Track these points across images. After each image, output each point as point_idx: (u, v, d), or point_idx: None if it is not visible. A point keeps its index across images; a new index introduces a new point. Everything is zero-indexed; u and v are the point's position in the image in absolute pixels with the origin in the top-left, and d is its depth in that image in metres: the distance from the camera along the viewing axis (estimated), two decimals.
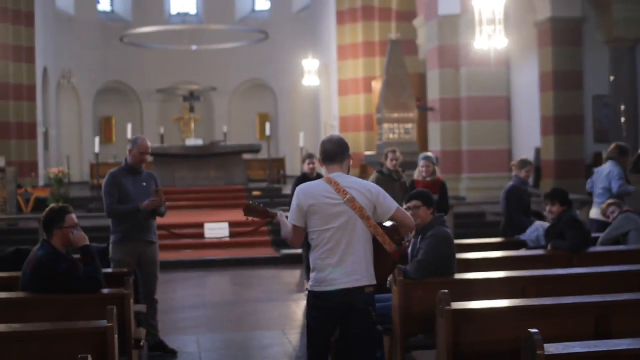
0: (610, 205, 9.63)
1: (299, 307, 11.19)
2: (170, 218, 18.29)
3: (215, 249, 16.45)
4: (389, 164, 11.53)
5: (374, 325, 5.63)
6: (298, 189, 5.59)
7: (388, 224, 5.58)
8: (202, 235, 16.45)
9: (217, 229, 16.46)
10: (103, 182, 8.56)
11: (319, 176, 11.83)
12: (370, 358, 5.61)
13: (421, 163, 11.05)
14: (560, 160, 20.80)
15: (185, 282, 14.30)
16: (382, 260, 5.56)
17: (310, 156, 12.34)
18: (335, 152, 5.58)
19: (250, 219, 5.90)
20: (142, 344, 7.04)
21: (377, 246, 5.53)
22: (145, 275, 8.48)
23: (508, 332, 5.64)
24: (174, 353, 8.71)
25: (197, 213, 19.38)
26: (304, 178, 11.71)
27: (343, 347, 5.73)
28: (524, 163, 10.25)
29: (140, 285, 8.45)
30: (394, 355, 6.92)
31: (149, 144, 8.58)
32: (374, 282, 5.53)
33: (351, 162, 5.73)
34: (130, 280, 6.93)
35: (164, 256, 15.69)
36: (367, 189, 5.50)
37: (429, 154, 11.61)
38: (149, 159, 8.75)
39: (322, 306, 5.48)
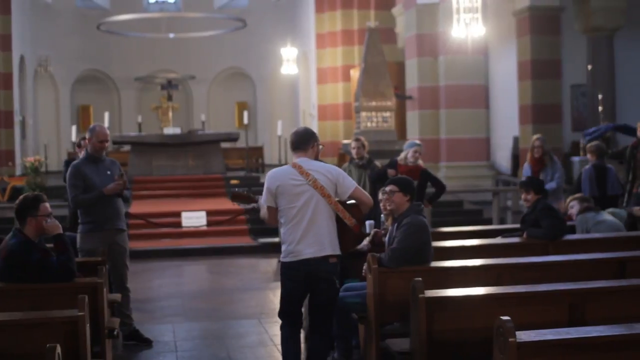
0: (571, 200, 9.65)
1: (276, 295, 11.14)
2: (148, 207, 18.35)
3: (193, 238, 16.40)
4: (352, 152, 11.56)
5: (336, 293, 6.45)
6: (268, 174, 6.43)
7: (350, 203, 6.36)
8: (179, 224, 16.41)
9: (194, 218, 16.44)
10: (67, 174, 8.45)
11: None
12: (328, 324, 6.45)
13: (413, 148, 11.07)
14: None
15: (163, 271, 14.25)
16: (345, 234, 6.36)
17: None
18: (301, 141, 6.40)
19: (235, 204, 6.40)
20: (115, 333, 6.98)
21: (340, 221, 6.30)
22: (115, 264, 8.39)
23: (482, 320, 5.63)
24: (148, 342, 8.64)
25: (174, 202, 19.26)
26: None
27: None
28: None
29: (111, 274, 8.38)
30: (368, 343, 6.91)
31: (107, 131, 8.51)
32: (337, 253, 6.30)
33: (320, 148, 6.54)
34: (104, 269, 6.88)
35: (141, 245, 15.83)
36: (327, 170, 6.30)
37: (418, 141, 11.69)
38: (109, 146, 8.67)
39: (290, 275, 6.31)
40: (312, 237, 6.19)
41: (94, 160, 8.35)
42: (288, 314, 6.42)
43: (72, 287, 6.45)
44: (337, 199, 6.27)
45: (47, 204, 6.75)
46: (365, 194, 6.38)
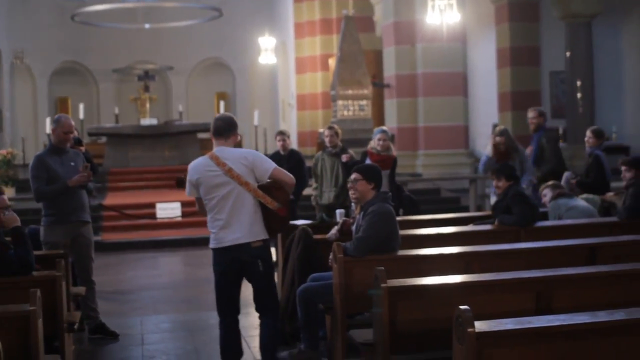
0: (544, 187, 9.51)
1: (248, 287, 10.94)
2: (123, 198, 18.19)
3: (168, 229, 16.23)
4: (326, 140, 11.44)
5: (268, 275, 6.47)
6: (189, 165, 6.47)
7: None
8: (154, 216, 16.23)
9: (169, 209, 16.27)
10: (30, 166, 8.24)
11: (292, 152, 12.19)
12: (274, 309, 6.55)
13: (378, 136, 10.84)
14: (517, 135, 20.68)
15: (136, 263, 14.11)
16: (271, 218, 6.33)
17: (280, 133, 12.43)
18: (221, 129, 6.39)
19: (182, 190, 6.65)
20: (75, 327, 6.80)
21: (265, 206, 6.29)
22: (80, 256, 8.21)
23: (447, 310, 5.43)
24: (115, 335, 8.49)
25: (150, 193, 19.09)
26: (276, 154, 11.99)
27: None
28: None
29: (76, 267, 8.21)
30: (335, 334, 6.76)
31: (72, 122, 8.28)
32: (260, 238, 6.32)
33: (238, 138, 6.53)
34: (62, 262, 6.70)
35: (116, 237, 15.67)
36: (243, 157, 6.29)
37: (385, 128, 11.43)
38: (73, 136, 8.46)
39: (218, 261, 6.39)
40: (234, 224, 6.24)
41: (58, 151, 8.15)
42: (222, 307, 6.54)
43: (29, 281, 6.26)
44: (258, 184, 6.27)
45: (5, 196, 6.63)
46: (286, 174, 6.35)
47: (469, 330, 4.16)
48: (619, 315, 4.48)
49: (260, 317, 6.61)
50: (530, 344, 4.35)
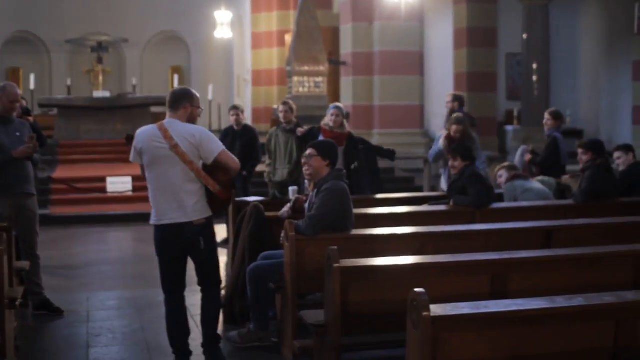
0: (500, 169, 9.41)
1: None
2: (74, 172, 17.83)
3: (118, 204, 15.93)
4: (280, 116, 11.27)
5: (210, 251, 6.33)
6: (137, 131, 6.28)
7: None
8: (104, 190, 15.93)
9: (119, 183, 15.97)
10: None
11: (245, 127, 12.12)
12: (215, 286, 6.45)
13: (331, 112, 10.51)
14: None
15: (85, 237, 13.85)
16: (211, 199, 6.20)
17: (233, 107, 12.29)
18: (172, 101, 6.19)
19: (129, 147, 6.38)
20: (17, 303, 6.57)
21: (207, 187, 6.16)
22: (24, 230, 7.95)
23: (400, 292, 5.31)
24: (59, 312, 8.26)
25: (101, 167, 18.71)
26: (229, 129, 12.08)
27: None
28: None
29: (20, 241, 7.95)
30: (285, 315, 6.61)
31: (18, 91, 7.99)
32: (203, 216, 6.18)
33: (199, 112, 6.31)
34: (5, 235, 6.45)
35: (65, 211, 15.36)
36: (191, 134, 6.07)
37: (339, 104, 11.16)
38: (21, 105, 8.21)
39: (159, 237, 6.22)
40: (174, 202, 6.09)
41: (3, 121, 7.87)
42: (166, 283, 6.40)
43: None
44: (202, 163, 6.14)
45: None
46: (232, 158, 6.22)
47: (424, 314, 4.01)
48: (577, 301, 4.37)
49: (202, 292, 6.50)
50: (487, 328, 4.22)
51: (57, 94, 28.95)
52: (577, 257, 5.75)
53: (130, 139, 6.43)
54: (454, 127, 10.11)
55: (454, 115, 10.62)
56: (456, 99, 11.97)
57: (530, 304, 4.34)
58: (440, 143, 10.31)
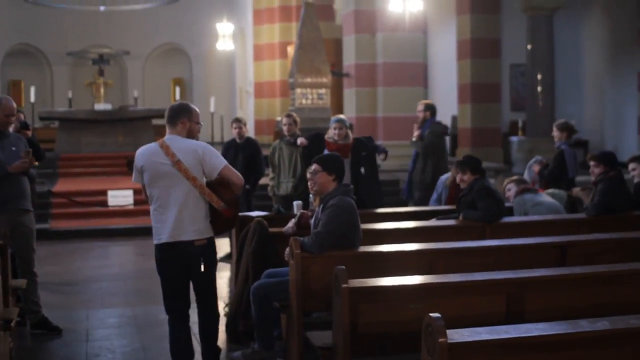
0: (508, 182, 9.21)
1: None
2: (74, 185, 17.64)
3: (119, 217, 15.71)
4: (284, 129, 11.06)
5: (209, 274, 6.14)
6: (137, 151, 6.08)
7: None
8: (105, 203, 15.73)
9: (121, 197, 15.77)
10: None
11: (248, 140, 11.82)
12: (211, 302, 6.26)
13: (333, 125, 10.32)
14: (476, 128, 20.61)
15: (85, 252, 13.63)
16: (216, 217, 6.01)
17: (236, 120, 12.02)
18: (170, 116, 6.04)
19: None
20: (12, 324, 6.34)
21: (211, 204, 5.98)
22: (20, 247, 7.72)
23: (411, 312, 5.13)
24: (58, 331, 8.03)
25: (102, 180, 18.54)
26: (232, 142, 11.81)
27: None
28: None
29: (17, 258, 7.73)
30: (290, 334, 6.38)
31: (14, 104, 7.77)
32: (204, 236, 5.99)
33: (198, 127, 6.13)
34: (1, 253, 6.24)
35: (65, 225, 15.14)
36: (193, 150, 5.92)
37: (342, 116, 10.94)
38: (18, 119, 8.01)
39: (159, 257, 6.04)
40: (176, 221, 5.91)
41: None
42: (169, 304, 6.20)
43: None
44: (206, 180, 5.98)
45: None
46: (235, 173, 6.04)
47: (440, 340, 3.78)
48: (602, 324, 4.13)
49: (198, 309, 6.29)
50: (507, 355, 3.99)
51: (58, 107, 28.83)
52: (594, 276, 5.53)
53: (131, 164, 6.25)
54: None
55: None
56: (428, 108, 11.87)
57: (552, 329, 4.11)
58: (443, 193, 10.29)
